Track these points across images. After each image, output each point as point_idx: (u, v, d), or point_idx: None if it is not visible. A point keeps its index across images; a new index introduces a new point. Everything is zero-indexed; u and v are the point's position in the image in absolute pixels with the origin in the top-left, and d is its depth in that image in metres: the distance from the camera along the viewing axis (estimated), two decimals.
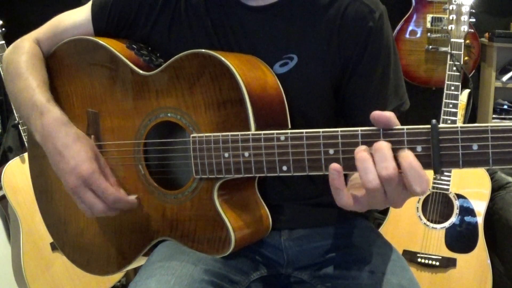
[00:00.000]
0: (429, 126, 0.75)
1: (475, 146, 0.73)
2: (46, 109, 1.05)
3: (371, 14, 1.04)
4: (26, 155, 2.20)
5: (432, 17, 2.76)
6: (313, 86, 1.05)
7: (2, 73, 2.28)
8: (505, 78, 2.93)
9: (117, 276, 2.32)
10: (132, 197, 1.04)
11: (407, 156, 0.75)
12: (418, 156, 0.75)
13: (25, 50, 1.16)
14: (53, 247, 2.19)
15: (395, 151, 0.76)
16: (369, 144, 0.78)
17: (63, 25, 1.18)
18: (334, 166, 0.79)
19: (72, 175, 1.00)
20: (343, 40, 1.04)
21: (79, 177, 1.00)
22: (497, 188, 2.12)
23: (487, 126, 0.72)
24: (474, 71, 2.90)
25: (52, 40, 1.18)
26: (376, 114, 0.77)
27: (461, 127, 0.74)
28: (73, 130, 1.05)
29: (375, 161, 0.76)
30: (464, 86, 2.26)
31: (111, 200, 1.01)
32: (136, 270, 1.26)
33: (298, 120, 1.03)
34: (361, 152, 0.77)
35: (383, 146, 0.75)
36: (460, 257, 1.97)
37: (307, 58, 1.05)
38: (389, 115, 0.77)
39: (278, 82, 1.02)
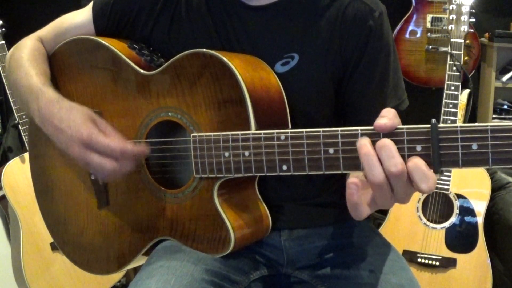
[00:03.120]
0: (428, 125, 0.75)
1: (474, 146, 0.73)
2: (41, 92, 1.05)
3: (371, 13, 1.04)
4: (26, 155, 2.21)
5: (432, 17, 2.77)
6: (314, 84, 1.06)
7: (2, 74, 2.28)
8: (505, 78, 2.93)
9: (117, 276, 2.32)
10: (141, 145, 0.99)
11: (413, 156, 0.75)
12: (418, 156, 0.76)
13: (27, 46, 1.17)
14: (53, 247, 2.19)
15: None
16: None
17: (65, 25, 1.19)
18: (353, 180, 0.79)
19: (72, 144, 0.98)
20: (344, 39, 1.04)
21: (79, 143, 0.97)
22: (497, 188, 2.12)
23: (486, 126, 0.72)
24: (474, 71, 2.90)
25: (55, 39, 1.19)
26: (377, 126, 0.77)
27: (460, 126, 0.74)
28: (65, 103, 1.03)
29: (381, 159, 0.75)
30: (464, 86, 2.26)
31: (118, 152, 0.96)
32: (136, 270, 1.26)
33: (299, 119, 1.03)
34: (365, 147, 0.77)
35: (388, 143, 0.75)
36: (460, 257, 1.97)
37: (308, 57, 1.05)
38: (389, 125, 0.77)
39: (279, 82, 1.02)
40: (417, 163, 0.74)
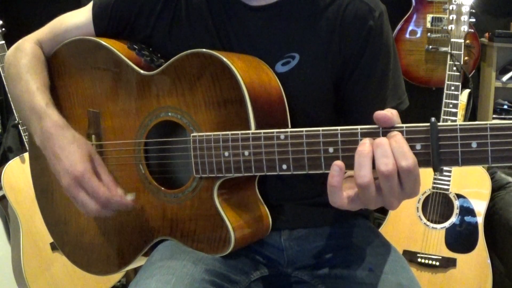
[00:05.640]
0: (428, 124, 0.75)
1: (474, 144, 0.73)
2: (45, 114, 1.07)
3: (371, 13, 1.04)
4: (26, 155, 2.20)
5: (432, 17, 2.76)
6: (315, 84, 1.06)
7: (2, 74, 2.28)
8: (505, 78, 2.93)
9: (117, 276, 2.32)
10: (129, 197, 1.04)
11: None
12: (417, 154, 0.76)
13: (26, 52, 1.16)
14: (53, 247, 2.19)
15: None
16: None
17: (64, 26, 1.19)
18: (338, 162, 0.79)
19: (65, 176, 1.02)
20: (344, 39, 1.05)
21: (72, 177, 1.01)
22: (497, 188, 2.12)
23: (486, 124, 0.73)
24: (474, 71, 2.90)
25: (54, 41, 1.19)
26: (379, 114, 0.77)
27: (460, 125, 0.74)
28: (69, 132, 1.06)
29: (375, 156, 0.76)
30: (464, 86, 2.26)
31: (102, 200, 1.01)
32: (136, 270, 1.26)
33: (299, 119, 1.03)
34: (362, 146, 0.77)
35: (384, 142, 0.76)
36: (460, 257, 1.97)
37: (309, 56, 1.05)
38: (390, 115, 0.77)
39: (279, 82, 1.02)
40: (399, 140, 0.75)
